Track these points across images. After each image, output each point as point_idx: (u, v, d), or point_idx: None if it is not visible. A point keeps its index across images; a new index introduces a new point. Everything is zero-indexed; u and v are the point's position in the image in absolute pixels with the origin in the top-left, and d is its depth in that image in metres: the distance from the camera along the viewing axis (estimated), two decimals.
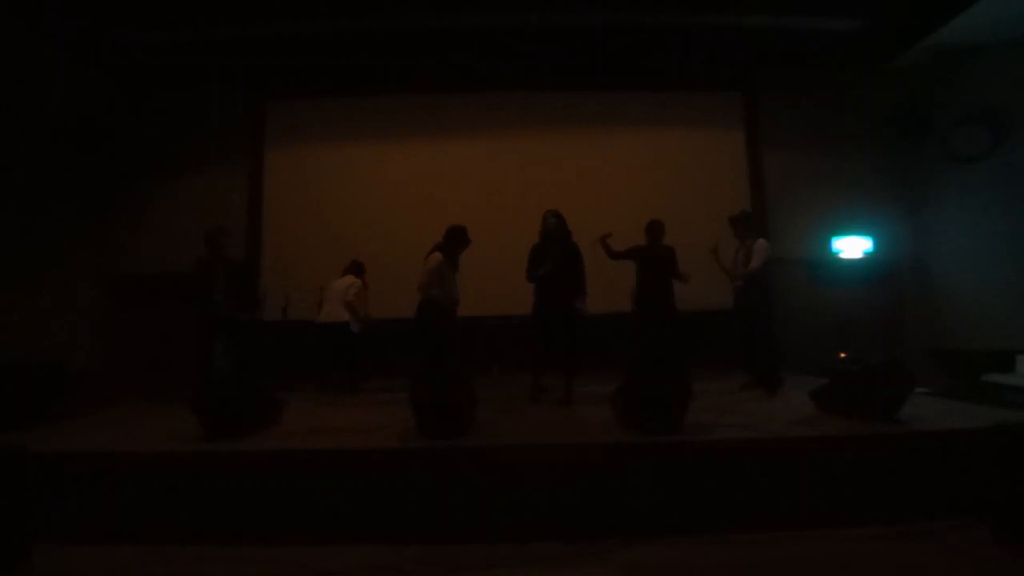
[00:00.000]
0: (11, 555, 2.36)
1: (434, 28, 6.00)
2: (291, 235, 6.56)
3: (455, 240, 4.39)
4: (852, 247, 6.65)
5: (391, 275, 5.77)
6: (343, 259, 5.66)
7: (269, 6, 5.60)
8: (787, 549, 2.46)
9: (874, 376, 3.18)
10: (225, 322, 4.68)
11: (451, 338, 4.38)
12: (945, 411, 3.45)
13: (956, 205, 6.32)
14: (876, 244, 6.67)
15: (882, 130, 6.77)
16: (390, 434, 3.06)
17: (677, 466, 2.76)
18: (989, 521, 2.51)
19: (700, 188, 6.70)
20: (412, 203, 6.58)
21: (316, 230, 6.59)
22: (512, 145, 6.80)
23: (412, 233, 6.34)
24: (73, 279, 6.31)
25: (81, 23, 5.54)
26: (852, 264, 6.75)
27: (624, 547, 2.51)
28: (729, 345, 5.15)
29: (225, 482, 2.74)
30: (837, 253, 6.67)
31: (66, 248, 6.23)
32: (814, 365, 5.88)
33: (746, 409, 3.56)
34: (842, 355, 5.92)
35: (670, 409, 3.00)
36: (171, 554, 2.49)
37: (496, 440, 2.96)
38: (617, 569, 2.31)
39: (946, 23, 5.68)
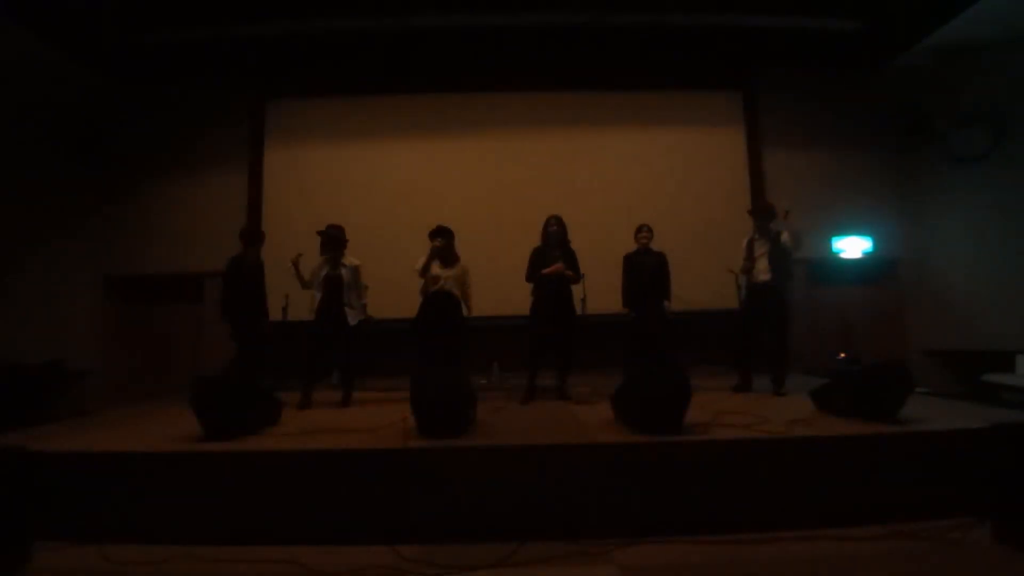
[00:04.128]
0: (11, 555, 2.36)
1: (434, 28, 6.00)
2: (291, 235, 6.54)
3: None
4: (852, 247, 6.66)
5: (391, 275, 5.75)
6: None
7: (270, 6, 5.60)
8: (787, 549, 2.45)
9: (874, 376, 3.18)
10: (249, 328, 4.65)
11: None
12: (945, 411, 3.44)
13: (956, 205, 6.32)
14: (876, 244, 6.67)
15: (882, 130, 6.78)
16: (390, 434, 3.05)
17: (677, 466, 2.76)
18: (989, 521, 2.51)
19: (700, 188, 6.70)
20: (411, 203, 6.58)
21: (316, 228, 6.59)
22: (512, 145, 6.81)
23: (411, 233, 6.35)
24: (73, 279, 6.31)
25: (81, 24, 5.54)
26: (852, 264, 6.75)
27: (624, 547, 2.51)
28: (730, 345, 5.09)
29: (225, 482, 2.74)
30: (837, 253, 6.67)
31: (66, 248, 6.24)
32: (814, 365, 5.90)
33: (746, 409, 3.56)
34: (842, 355, 5.92)
35: (670, 409, 3.00)
36: (171, 554, 2.49)
37: (496, 440, 2.96)
38: (617, 569, 2.31)
39: (946, 23, 5.68)
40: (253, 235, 4.88)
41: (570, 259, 4.43)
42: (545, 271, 4.32)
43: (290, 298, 5.85)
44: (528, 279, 4.46)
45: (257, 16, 5.69)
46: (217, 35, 5.89)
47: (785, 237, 4.46)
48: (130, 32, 5.77)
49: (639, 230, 4.88)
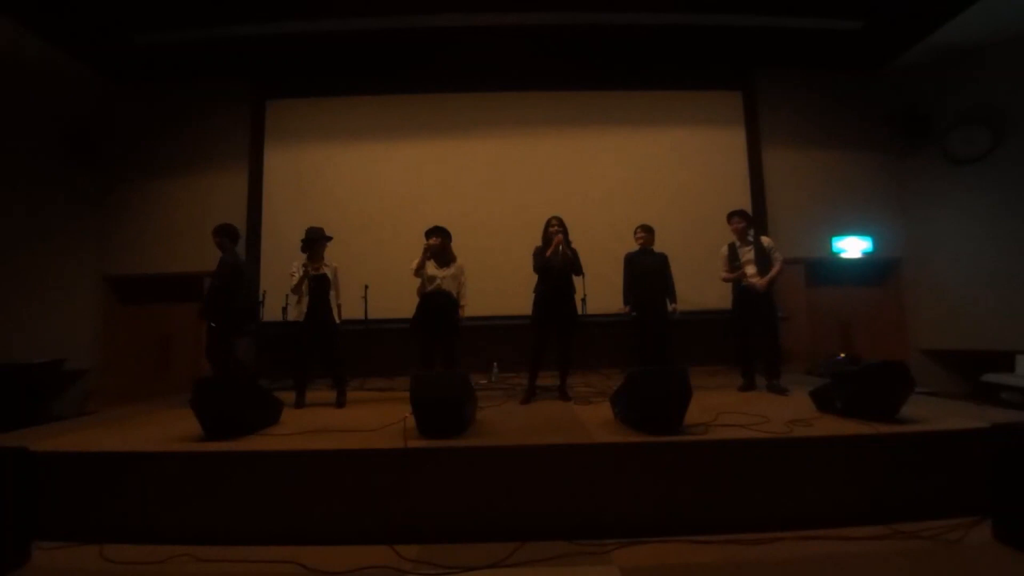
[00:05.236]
0: (11, 555, 2.37)
1: (433, 28, 6.00)
2: (291, 234, 6.54)
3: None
4: (852, 247, 6.66)
5: (389, 274, 5.76)
6: (341, 257, 5.58)
7: (269, 6, 5.60)
8: (787, 549, 2.46)
9: (873, 376, 3.18)
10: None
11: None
12: (945, 411, 3.45)
13: (956, 205, 6.33)
14: (876, 244, 6.68)
15: (882, 130, 6.79)
16: (390, 434, 3.05)
17: (677, 466, 2.76)
18: (989, 521, 2.51)
19: (700, 188, 6.70)
20: (411, 203, 6.58)
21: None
22: (512, 145, 6.81)
23: (410, 232, 6.37)
24: (73, 279, 6.32)
25: (82, 24, 5.55)
26: (852, 264, 6.76)
27: (624, 547, 2.51)
28: (729, 345, 5.10)
29: (225, 482, 2.74)
30: (837, 253, 6.68)
31: (66, 248, 6.24)
32: (814, 365, 5.90)
33: (746, 409, 3.56)
34: (842, 355, 5.93)
35: (670, 409, 3.00)
36: (171, 554, 2.49)
37: (496, 440, 2.96)
38: (617, 569, 2.31)
39: (946, 23, 5.69)
40: (237, 232, 4.86)
41: (571, 259, 4.42)
42: (549, 251, 4.31)
43: (289, 298, 5.88)
44: (536, 269, 4.44)
45: (257, 16, 5.69)
46: (217, 35, 5.89)
47: (767, 241, 4.61)
48: (130, 32, 5.77)
49: (636, 231, 4.89)
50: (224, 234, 4.69)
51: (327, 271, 4.45)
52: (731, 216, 4.69)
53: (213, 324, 4.47)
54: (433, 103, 6.87)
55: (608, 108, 6.87)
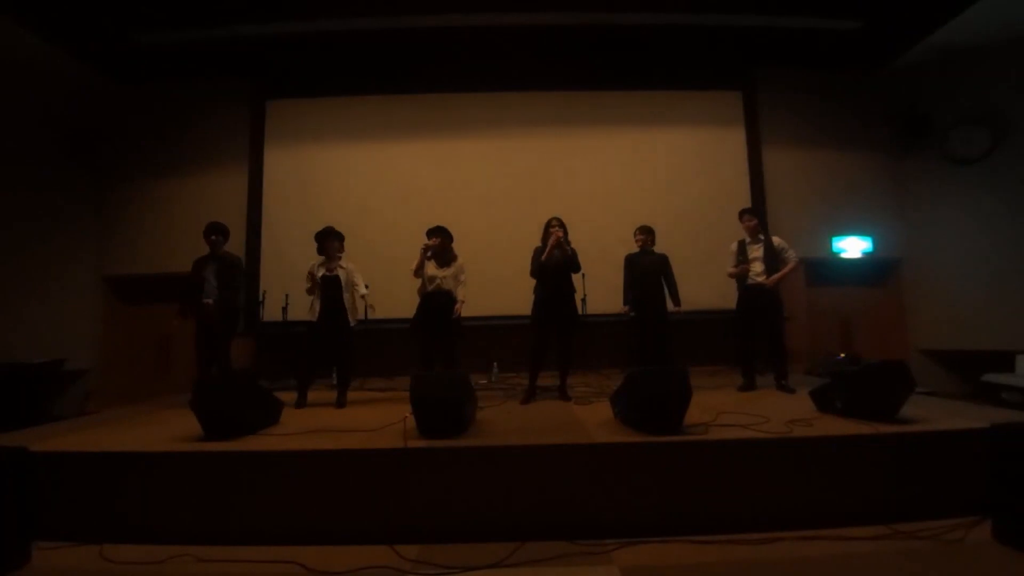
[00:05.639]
0: (11, 555, 2.37)
1: (433, 28, 6.00)
2: (291, 234, 6.56)
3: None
4: (852, 247, 6.67)
5: (389, 275, 5.76)
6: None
7: (269, 6, 5.60)
8: (787, 549, 2.46)
9: (873, 376, 3.18)
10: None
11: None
12: (945, 411, 3.45)
13: (956, 205, 6.33)
14: (875, 244, 6.68)
15: (882, 130, 6.79)
16: (390, 434, 3.05)
17: (677, 466, 2.76)
18: (989, 521, 2.51)
19: (700, 188, 6.71)
20: (411, 203, 6.58)
21: (316, 229, 6.61)
22: (512, 145, 6.80)
23: (411, 233, 6.37)
24: (73, 279, 6.32)
25: (82, 24, 5.55)
26: (852, 264, 6.76)
27: (624, 547, 2.51)
28: (729, 345, 5.11)
29: (225, 482, 2.74)
30: (837, 253, 6.68)
31: (66, 248, 6.24)
32: (814, 365, 5.91)
33: (746, 409, 3.56)
34: (842, 355, 5.93)
35: (670, 409, 3.00)
36: (171, 554, 2.49)
37: (496, 440, 2.96)
38: (617, 569, 2.31)
39: (946, 23, 5.69)
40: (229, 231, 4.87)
41: (568, 256, 4.41)
42: (544, 255, 4.29)
43: (290, 298, 5.89)
44: (532, 274, 4.43)
45: (257, 16, 5.69)
46: (217, 35, 5.89)
47: (777, 241, 4.61)
48: (130, 32, 5.77)
49: (635, 232, 4.90)
50: (221, 232, 4.71)
51: (340, 272, 4.38)
52: (743, 213, 4.72)
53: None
54: (433, 103, 6.87)
55: (608, 108, 6.86)
